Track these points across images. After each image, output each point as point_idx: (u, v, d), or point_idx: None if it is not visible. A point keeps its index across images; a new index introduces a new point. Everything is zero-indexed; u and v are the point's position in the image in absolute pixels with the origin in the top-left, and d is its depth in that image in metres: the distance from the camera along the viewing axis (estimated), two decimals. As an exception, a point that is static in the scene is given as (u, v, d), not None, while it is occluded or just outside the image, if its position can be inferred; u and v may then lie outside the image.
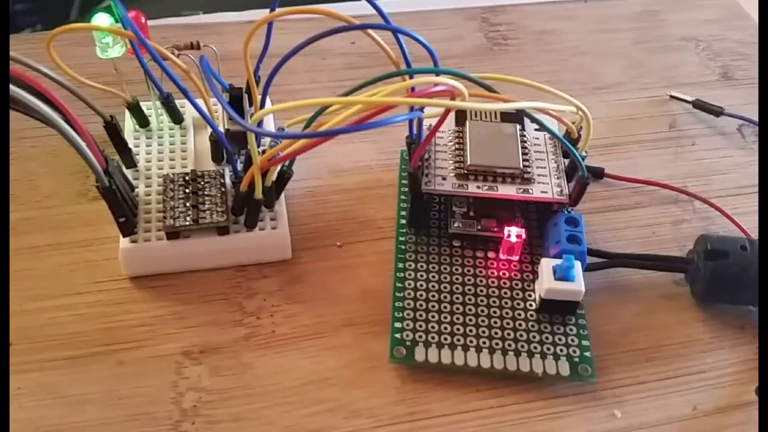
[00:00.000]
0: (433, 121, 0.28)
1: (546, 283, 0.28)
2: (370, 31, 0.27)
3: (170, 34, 0.41)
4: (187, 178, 0.30)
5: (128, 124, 0.33)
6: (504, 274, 0.30)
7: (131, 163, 0.31)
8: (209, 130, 0.33)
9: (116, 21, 0.29)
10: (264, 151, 0.28)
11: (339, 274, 0.31)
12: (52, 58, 0.28)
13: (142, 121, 0.33)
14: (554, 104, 0.28)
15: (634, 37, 0.45)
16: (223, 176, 0.30)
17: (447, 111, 0.26)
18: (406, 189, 0.33)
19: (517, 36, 0.44)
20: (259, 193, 0.28)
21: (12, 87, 0.25)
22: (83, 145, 0.26)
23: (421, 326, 0.28)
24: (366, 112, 0.24)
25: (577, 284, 0.28)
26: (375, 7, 0.27)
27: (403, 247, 0.31)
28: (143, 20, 0.28)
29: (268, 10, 0.43)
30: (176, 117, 0.33)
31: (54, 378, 0.27)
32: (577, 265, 0.28)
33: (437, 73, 0.26)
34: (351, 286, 0.30)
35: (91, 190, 0.33)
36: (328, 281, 0.31)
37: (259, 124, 0.30)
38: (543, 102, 0.28)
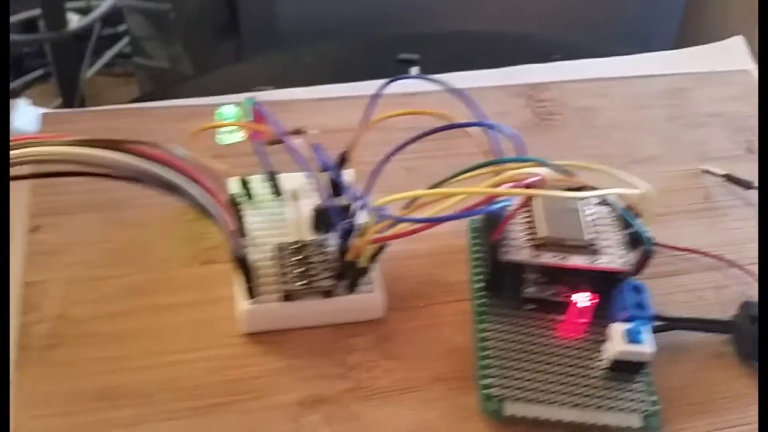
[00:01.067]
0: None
1: (618, 346, 0.32)
2: (467, 129, 0.31)
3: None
4: (296, 246, 0.34)
5: (234, 196, 0.37)
6: (575, 335, 0.34)
7: (243, 233, 0.35)
8: (305, 202, 0.37)
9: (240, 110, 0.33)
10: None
11: (424, 333, 0.35)
12: (193, 150, 0.32)
13: (248, 193, 0.37)
14: (625, 188, 0.32)
15: (666, 113, 0.49)
16: (325, 245, 0.34)
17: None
18: (477, 255, 0.38)
19: (562, 112, 0.48)
20: (363, 263, 0.33)
21: (163, 172, 0.29)
22: (227, 221, 0.30)
23: (505, 382, 0.32)
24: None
25: (647, 346, 0.32)
26: (470, 104, 0.32)
27: (481, 309, 0.35)
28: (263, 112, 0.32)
29: (337, 86, 0.48)
30: (277, 190, 0.37)
31: (190, 427, 0.31)
32: (645, 329, 0.32)
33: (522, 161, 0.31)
34: (436, 344, 0.34)
35: (201, 255, 0.37)
36: (416, 339, 0.35)
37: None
38: (614, 186, 0.32)
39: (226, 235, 0.31)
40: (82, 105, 1.23)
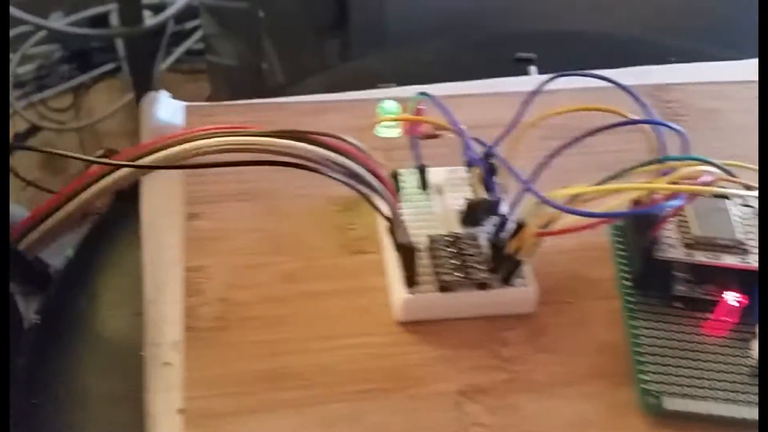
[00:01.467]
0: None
1: (771, 344, 0.32)
2: (646, 127, 0.32)
3: (373, 108, 0.45)
4: (449, 239, 0.35)
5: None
6: (722, 333, 0.35)
7: (398, 224, 0.36)
8: (450, 196, 0.38)
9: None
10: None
11: (574, 329, 0.35)
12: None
13: (396, 186, 0.38)
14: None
15: (788, 118, 0.49)
16: (477, 238, 0.35)
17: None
18: (622, 253, 0.38)
19: (687, 113, 0.48)
20: (524, 256, 0.33)
21: (345, 161, 0.30)
22: (398, 210, 0.31)
23: (661, 378, 0.33)
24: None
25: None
26: (639, 101, 0.32)
27: (632, 306, 0.36)
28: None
29: (460, 84, 0.49)
30: (424, 184, 0.38)
31: (359, 408, 0.32)
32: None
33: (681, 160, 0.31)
34: (588, 340, 0.35)
35: (350, 245, 0.38)
36: (567, 334, 0.35)
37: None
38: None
39: (395, 223, 0.32)
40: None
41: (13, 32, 1.25)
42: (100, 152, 0.35)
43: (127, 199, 0.41)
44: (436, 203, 0.38)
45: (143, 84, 1.24)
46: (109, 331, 0.36)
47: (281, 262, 0.36)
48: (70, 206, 0.31)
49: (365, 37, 0.63)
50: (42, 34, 1.28)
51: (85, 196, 0.30)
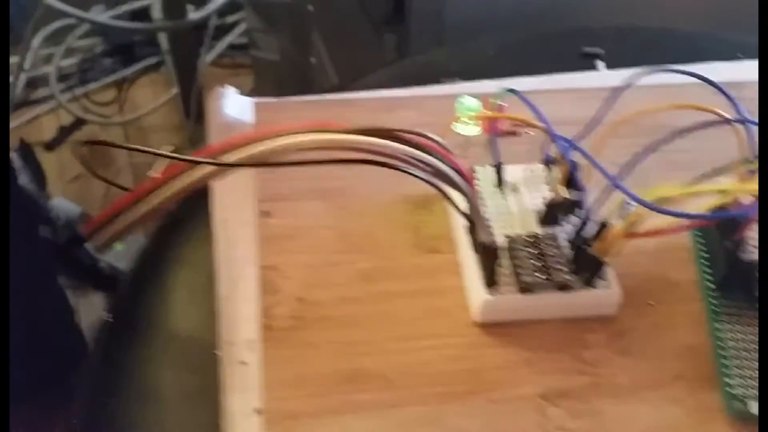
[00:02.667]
0: None
1: None
2: (738, 126, 0.31)
3: (441, 105, 0.44)
4: (529, 239, 0.34)
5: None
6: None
7: (474, 223, 0.35)
8: (526, 194, 0.37)
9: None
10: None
11: (657, 332, 0.34)
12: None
13: (469, 185, 0.37)
14: None
15: None
16: (557, 239, 0.34)
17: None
18: (705, 255, 0.37)
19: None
20: (609, 257, 0.32)
21: (430, 159, 0.29)
22: (479, 209, 0.30)
23: (747, 382, 0.32)
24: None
25: None
26: (732, 100, 0.31)
27: (716, 309, 0.35)
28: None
29: (526, 79, 0.48)
30: (500, 182, 0.37)
31: (439, 411, 0.31)
32: None
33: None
34: (671, 343, 0.34)
35: (423, 244, 0.37)
36: (649, 337, 0.34)
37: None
38: None
39: (478, 223, 0.31)
40: (199, 95, 1.26)
41: (56, 25, 1.26)
42: (171, 148, 0.34)
43: (196, 196, 0.41)
44: (512, 202, 0.37)
45: (187, 78, 1.25)
46: (183, 329, 0.36)
47: (356, 261, 0.36)
48: (151, 202, 0.30)
49: (425, 31, 0.62)
50: (84, 27, 1.29)
51: (166, 193, 0.30)
